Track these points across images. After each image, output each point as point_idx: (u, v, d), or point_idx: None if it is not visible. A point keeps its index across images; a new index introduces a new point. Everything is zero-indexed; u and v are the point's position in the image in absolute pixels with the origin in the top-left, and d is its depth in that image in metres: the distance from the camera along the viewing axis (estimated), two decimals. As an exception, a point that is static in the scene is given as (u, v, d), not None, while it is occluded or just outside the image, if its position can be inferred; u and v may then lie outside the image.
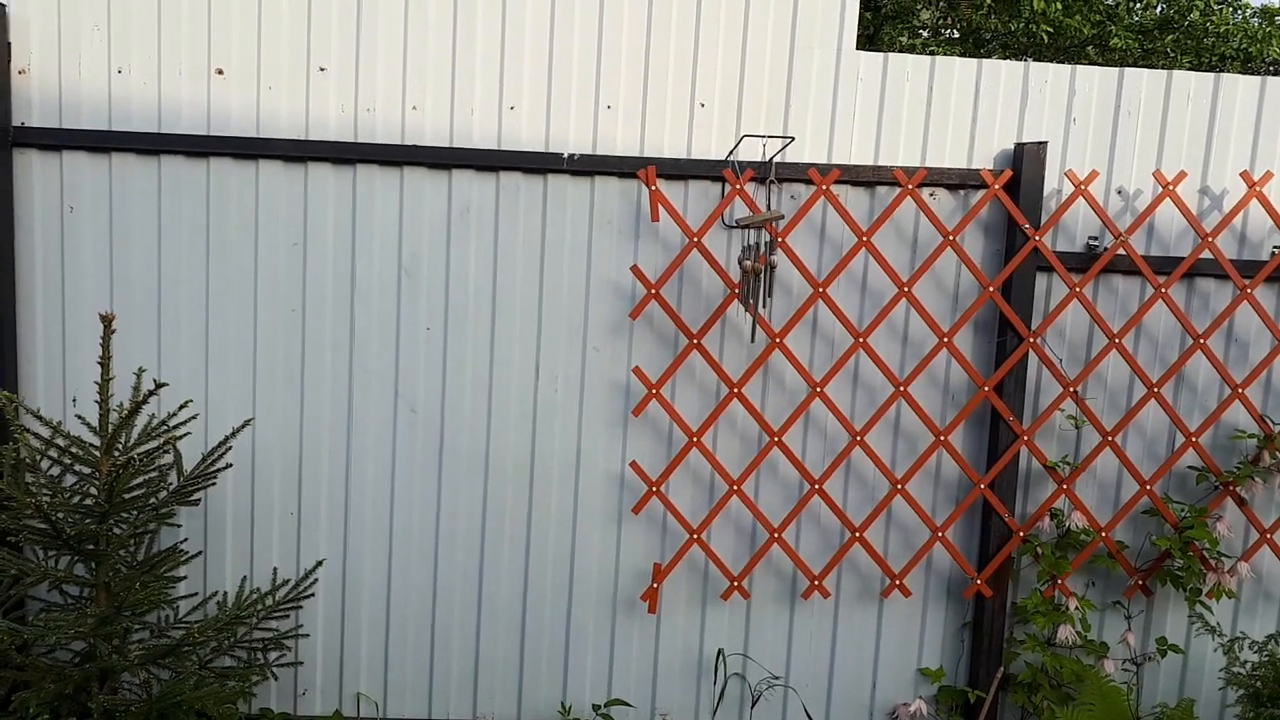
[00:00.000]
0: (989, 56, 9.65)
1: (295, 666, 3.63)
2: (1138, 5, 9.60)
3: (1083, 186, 3.48)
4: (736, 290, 3.43)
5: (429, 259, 3.54)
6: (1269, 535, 3.64)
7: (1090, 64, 9.33)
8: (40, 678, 2.91)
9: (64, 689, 2.89)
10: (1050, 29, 8.69)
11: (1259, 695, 3.25)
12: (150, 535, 3.27)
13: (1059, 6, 8.62)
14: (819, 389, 3.54)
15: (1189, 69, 9.55)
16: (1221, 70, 9.38)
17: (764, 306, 3.37)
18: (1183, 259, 3.55)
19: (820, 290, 3.50)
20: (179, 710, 2.95)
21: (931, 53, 9.18)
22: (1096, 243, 3.61)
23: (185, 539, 3.52)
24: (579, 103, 3.50)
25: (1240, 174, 3.56)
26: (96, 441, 3.00)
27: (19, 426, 2.93)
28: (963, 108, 3.58)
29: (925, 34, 9.92)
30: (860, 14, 9.30)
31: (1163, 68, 9.38)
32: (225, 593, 3.56)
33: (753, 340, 3.55)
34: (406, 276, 3.54)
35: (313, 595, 3.57)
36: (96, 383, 2.96)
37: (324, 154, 3.44)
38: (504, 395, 3.61)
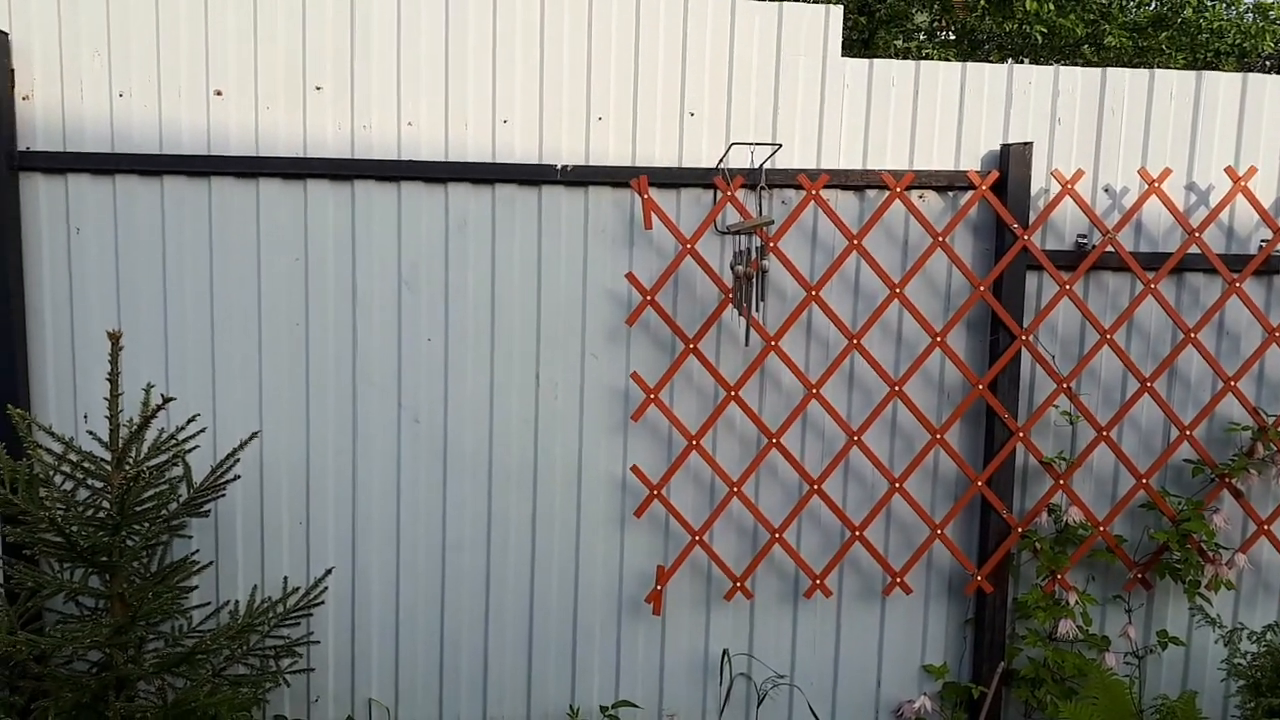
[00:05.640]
0: (984, 58, 9.72)
1: (308, 673, 3.69)
2: (1131, 3, 9.65)
3: (1069, 185, 3.53)
4: (730, 295, 3.49)
5: (428, 272, 3.61)
6: (1266, 526, 3.67)
7: (1086, 63, 9.39)
8: (59, 687, 2.98)
9: (81, 698, 2.95)
10: (1044, 29, 8.75)
11: (1258, 685, 3.28)
12: (162, 546, 3.34)
13: (1051, 6, 8.67)
14: (815, 390, 3.60)
15: (1184, 66, 9.62)
16: (1217, 66, 9.42)
17: (758, 310, 3.43)
18: (1171, 254, 3.60)
19: (813, 293, 3.55)
20: (194, 716, 3.02)
21: (926, 56, 9.26)
22: (1085, 240, 3.66)
23: (197, 550, 3.59)
24: (570, 115, 3.57)
25: (1225, 169, 3.61)
26: (108, 456, 3.07)
27: (32, 443, 3.00)
28: (948, 111, 3.64)
29: (921, 37, 9.97)
30: (855, 19, 9.36)
31: (1158, 65, 9.44)
32: (237, 601, 3.62)
33: (747, 343, 3.61)
34: (406, 289, 3.61)
35: (323, 603, 3.63)
36: (106, 399, 3.03)
37: (322, 171, 3.51)
38: (505, 403, 3.68)
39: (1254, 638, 3.45)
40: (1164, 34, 9.40)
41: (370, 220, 3.58)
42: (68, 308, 3.54)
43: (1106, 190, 3.69)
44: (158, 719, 2.96)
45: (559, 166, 3.56)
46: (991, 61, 3.67)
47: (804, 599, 3.77)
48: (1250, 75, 3.69)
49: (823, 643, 3.82)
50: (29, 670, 3.04)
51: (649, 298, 3.52)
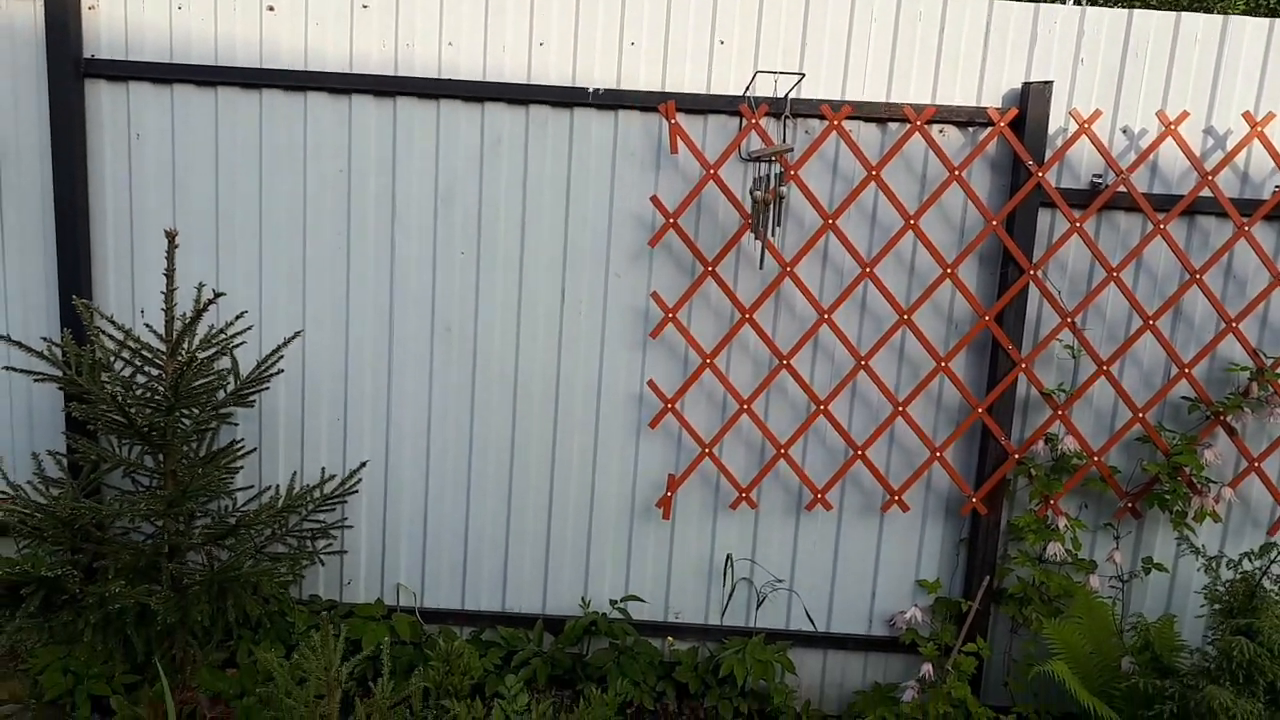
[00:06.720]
0: (1036, -3, 9.51)
1: (341, 555, 4.00)
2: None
3: (1086, 125, 3.61)
4: (749, 220, 3.64)
5: (463, 187, 3.80)
6: (1257, 464, 3.81)
7: (1144, 6, 9.19)
8: (117, 552, 3.29)
9: (138, 562, 3.27)
10: (1098, -31, 8.59)
11: (1231, 609, 3.45)
12: (211, 432, 3.63)
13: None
14: (827, 315, 3.76)
15: (1244, 11, 9.38)
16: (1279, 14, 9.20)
17: (773, 236, 3.58)
18: (1183, 197, 3.68)
19: (830, 221, 3.69)
20: (237, 583, 3.32)
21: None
22: (1100, 180, 3.75)
23: (242, 439, 3.87)
24: (604, 40, 3.71)
25: (1243, 115, 3.67)
26: (162, 346, 3.33)
27: (95, 329, 3.27)
28: (973, 47, 3.72)
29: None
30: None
31: (1219, 9, 9.21)
32: (278, 486, 3.92)
33: (762, 267, 3.77)
34: (442, 203, 3.81)
35: (357, 493, 3.92)
36: (162, 293, 3.28)
37: (366, 87, 3.70)
38: (532, 316, 3.89)
39: (1232, 565, 3.61)
40: (1224, -23, 9.19)
41: (410, 136, 3.76)
42: (127, 209, 3.79)
43: (1125, 131, 3.77)
44: (205, 579, 3.26)
45: (591, 90, 3.71)
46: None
47: (805, 512, 3.99)
48: (1276, 21, 3.72)
49: (822, 553, 4.05)
50: (91, 536, 3.35)
51: (671, 220, 3.69)
